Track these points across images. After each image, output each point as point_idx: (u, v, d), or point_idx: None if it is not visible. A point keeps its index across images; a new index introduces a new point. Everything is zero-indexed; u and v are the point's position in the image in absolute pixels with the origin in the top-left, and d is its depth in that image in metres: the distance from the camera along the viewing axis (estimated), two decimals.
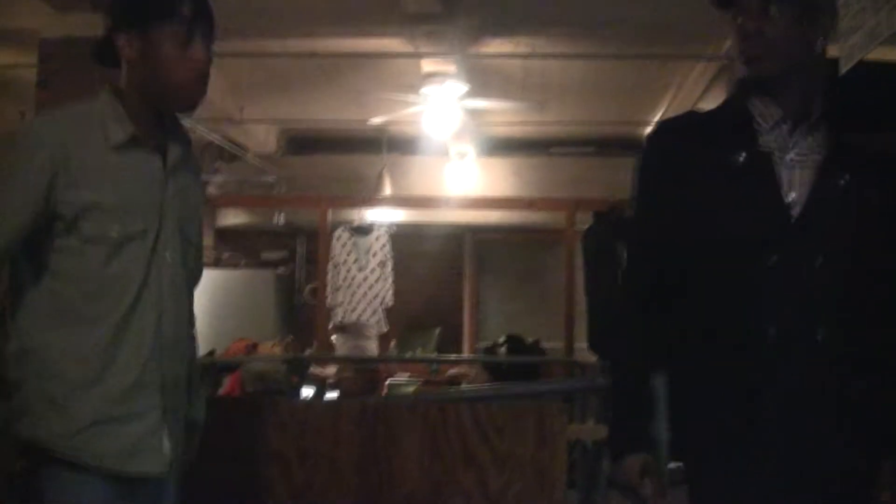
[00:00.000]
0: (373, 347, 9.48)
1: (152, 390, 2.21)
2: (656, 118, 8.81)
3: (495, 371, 8.82)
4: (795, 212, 2.02)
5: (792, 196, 2.03)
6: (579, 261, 7.02)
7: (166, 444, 2.23)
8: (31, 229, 2.14)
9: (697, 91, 8.04)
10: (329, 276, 9.00)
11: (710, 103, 8.08)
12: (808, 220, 2.02)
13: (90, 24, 5.95)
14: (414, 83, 7.92)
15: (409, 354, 10.95)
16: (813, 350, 2.00)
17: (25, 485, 2.15)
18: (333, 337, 9.38)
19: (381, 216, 9.53)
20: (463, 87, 7.79)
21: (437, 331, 11.82)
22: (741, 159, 2.04)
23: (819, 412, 2.01)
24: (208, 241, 11.69)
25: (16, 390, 2.12)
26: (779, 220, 2.02)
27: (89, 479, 2.08)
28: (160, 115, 2.29)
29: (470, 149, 10.38)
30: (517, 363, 8.51)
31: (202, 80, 2.24)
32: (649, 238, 2.18)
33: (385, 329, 9.50)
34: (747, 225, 2.03)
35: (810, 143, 2.07)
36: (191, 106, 2.29)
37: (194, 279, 2.49)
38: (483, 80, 8.03)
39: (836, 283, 2.02)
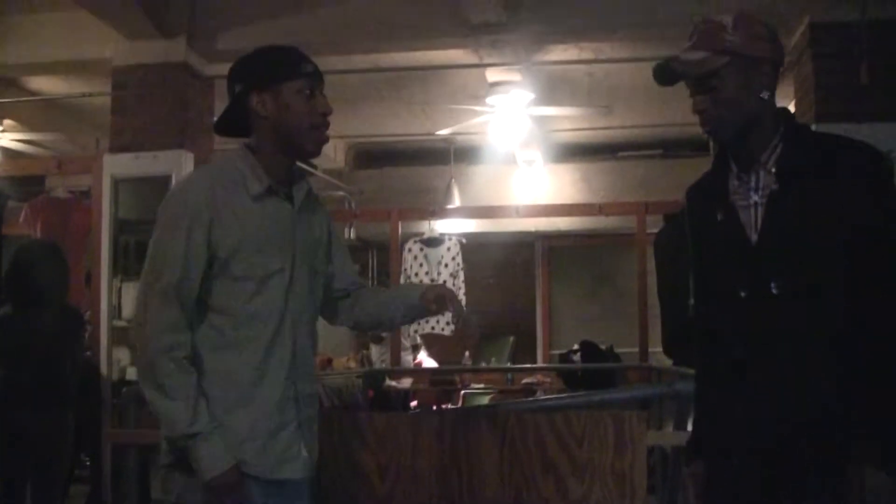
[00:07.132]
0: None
1: (291, 405, 2.57)
2: None
3: (570, 378, 8.78)
4: (754, 242, 2.24)
5: (755, 236, 2.24)
6: (652, 264, 6.96)
7: (304, 453, 2.59)
8: (203, 276, 2.49)
9: None
10: None
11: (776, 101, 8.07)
12: (763, 247, 2.22)
13: (160, 52, 6.10)
14: (479, 93, 7.95)
15: (483, 364, 10.97)
16: (780, 364, 2.18)
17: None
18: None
19: (451, 227, 9.56)
20: (529, 95, 7.79)
21: (511, 339, 11.82)
22: (719, 217, 2.31)
23: (790, 402, 2.17)
24: None
25: None
26: (745, 259, 2.24)
27: (246, 483, 2.45)
28: (289, 165, 2.64)
29: (537, 156, 10.38)
30: (592, 370, 8.47)
31: (326, 124, 2.61)
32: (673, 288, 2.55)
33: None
34: (728, 273, 2.28)
35: (768, 179, 2.24)
36: (318, 148, 2.63)
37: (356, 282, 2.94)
38: (549, 88, 8.02)
39: (794, 304, 2.17)
